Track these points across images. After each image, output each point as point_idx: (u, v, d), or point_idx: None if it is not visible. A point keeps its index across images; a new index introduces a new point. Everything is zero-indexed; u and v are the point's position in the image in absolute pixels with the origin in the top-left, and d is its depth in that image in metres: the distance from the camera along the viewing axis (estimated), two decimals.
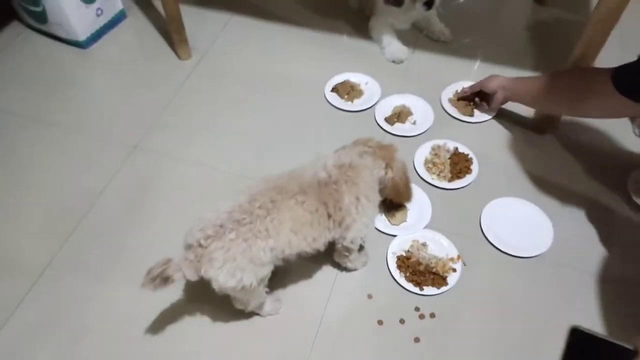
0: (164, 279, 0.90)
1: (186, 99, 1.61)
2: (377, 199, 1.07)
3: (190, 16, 1.70)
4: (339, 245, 1.09)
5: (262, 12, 1.88)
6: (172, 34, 1.65)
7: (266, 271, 0.97)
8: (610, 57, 1.27)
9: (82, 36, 1.71)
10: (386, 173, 1.09)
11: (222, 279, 0.92)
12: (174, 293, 1.16)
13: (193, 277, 0.93)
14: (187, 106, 1.59)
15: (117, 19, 1.83)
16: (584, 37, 1.25)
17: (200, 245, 0.91)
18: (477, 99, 1.54)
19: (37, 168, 1.43)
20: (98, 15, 1.74)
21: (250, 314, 1.13)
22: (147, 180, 1.40)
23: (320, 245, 1.02)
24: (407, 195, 1.18)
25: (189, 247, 0.94)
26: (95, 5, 1.71)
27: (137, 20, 1.88)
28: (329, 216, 0.99)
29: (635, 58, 1.05)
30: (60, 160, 1.45)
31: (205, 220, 0.93)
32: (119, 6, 1.82)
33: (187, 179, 1.40)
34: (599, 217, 1.31)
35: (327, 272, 1.22)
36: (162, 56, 1.74)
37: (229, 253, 0.90)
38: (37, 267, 1.23)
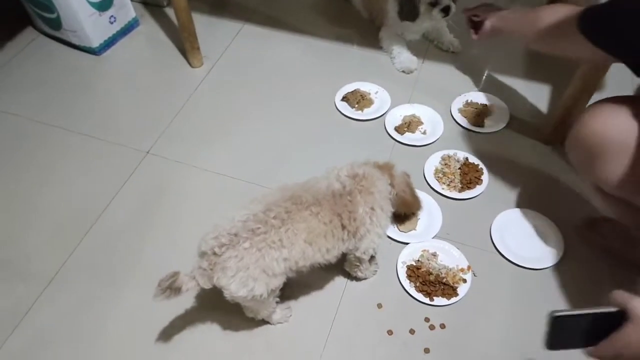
0: (175, 290, 0.91)
1: (198, 106, 1.62)
2: (390, 209, 1.07)
3: (203, 24, 1.72)
4: (351, 256, 1.09)
5: (273, 21, 1.90)
6: (185, 42, 1.67)
7: (278, 282, 0.98)
8: None
9: (95, 43, 1.73)
10: (392, 185, 1.10)
11: (234, 288, 0.92)
12: (186, 300, 1.16)
13: (206, 285, 0.93)
14: (199, 113, 1.60)
15: (130, 27, 1.85)
16: None
17: (215, 254, 0.92)
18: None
19: (52, 173, 1.44)
20: (111, 23, 1.76)
21: (260, 322, 1.13)
22: (159, 186, 1.41)
23: (334, 256, 1.02)
24: (416, 204, 1.18)
25: (202, 254, 0.94)
26: (108, 13, 1.73)
27: (150, 28, 1.90)
28: (343, 227, 1.00)
29: None
30: (75, 165, 1.46)
31: (220, 228, 0.94)
32: (132, 14, 1.84)
33: (199, 186, 1.41)
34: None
35: (337, 281, 1.22)
36: (174, 63, 1.76)
37: (242, 262, 0.91)
38: (49, 271, 1.24)
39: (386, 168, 1.11)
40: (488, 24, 1.34)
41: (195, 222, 1.31)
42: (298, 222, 0.94)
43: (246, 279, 0.92)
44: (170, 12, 1.94)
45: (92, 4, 1.66)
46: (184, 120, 1.58)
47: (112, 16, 1.75)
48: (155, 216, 1.35)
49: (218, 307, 1.12)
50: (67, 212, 1.35)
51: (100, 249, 1.28)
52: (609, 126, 0.97)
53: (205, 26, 1.83)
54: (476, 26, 1.41)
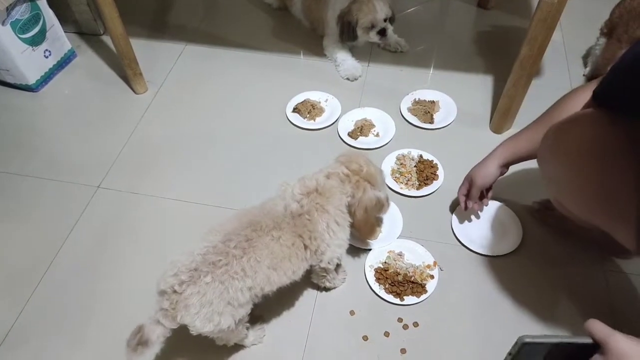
0: (145, 343, 0.88)
1: (146, 133, 1.59)
2: (347, 220, 1.06)
3: (143, 49, 1.69)
4: (316, 267, 1.08)
5: (215, 39, 1.88)
6: (126, 69, 1.63)
7: (244, 311, 0.96)
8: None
9: (31, 80, 1.67)
10: (353, 196, 1.05)
11: (199, 325, 0.89)
12: None
13: (172, 326, 0.90)
14: (148, 140, 1.57)
15: (66, 59, 1.79)
16: (528, 36, 1.30)
17: (175, 292, 0.89)
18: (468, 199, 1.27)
19: None
20: (46, 57, 1.70)
21: (234, 347, 1.11)
22: (113, 220, 1.36)
23: (299, 276, 1.01)
24: (365, 231, 1.12)
25: (162, 293, 0.90)
26: (42, 47, 1.68)
27: (88, 58, 1.85)
28: (305, 247, 0.99)
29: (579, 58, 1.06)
30: (22, 210, 1.40)
31: (179, 264, 0.90)
32: (68, 46, 1.79)
33: (156, 215, 1.38)
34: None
35: (307, 294, 1.21)
36: (117, 92, 1.71)
37: (205, 297, 0.88)
38: (2, 329, 1.16)
39: (359, 181, 1.06)
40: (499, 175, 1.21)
41: (155, 253, 1.29)
42: (260, 249, 0.92)
43: (211, 314, 0.89)
44: (107, 39, 1.89)
45: (24, 40, 1.60)
46: (133, 149, 1.54)
47: (46, 50, 1.69)
48: (112, 253, 1.30)
49: (187, 342, 1.08)
50: (16, 262, 1.28)
51: (55, 297, 1.22)
52: (589, 151, 0.88)
53: (146, 51, 1.79)
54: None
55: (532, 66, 1.35)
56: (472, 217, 1.34)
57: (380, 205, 1.12)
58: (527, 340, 0.66)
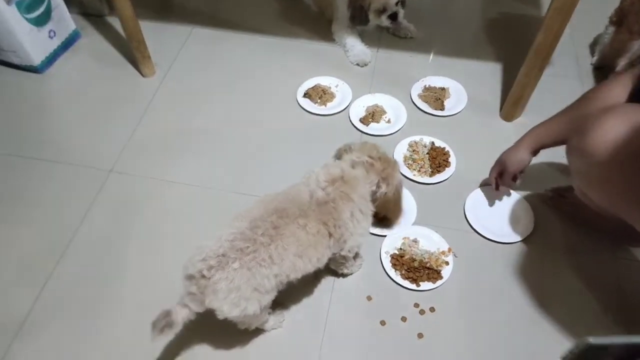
0: (170, 325, 0.90)
1: (157, 116, 1.57)
2: (371, 209, 1.07)
3: (150, 31, 1.65)
4: (337, 255, 1.09)
5: (222, 22, 1.86)
6: (134, 51, 1.60)
7: (270, 297, 0.97)
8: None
9: (36, 60, 1.64)
10: (379, 187, 1.08)
11: (227, 309, 0.91)
12: None
13: (199, 309, 0.91)
14: (159, 124, 1.55)
15: (71, 40, 1.76)
16: (543, 25, 1.30)
17: (203, 276, 0.89)
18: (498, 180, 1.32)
19: (8, 205, 1.36)
20: (51, 38, 1.67)
21: (254, 331, 1.12)
22: (128, 205, 1.36)
23: (323, 263, 1.02)
24: (396, 212, 1.17)
25: (190, 278, 0.91)
26: (47, 28, 1.64)
27: (92, 40, 1.81)
28: (330, 235, 0.99)
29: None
30: (33, 194, 1.38)
31: (207, 249, 0.91)
32: (72, 26, 1.75)
33: (172, 200, 1.37)
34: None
35: (324, 280, 1.22)
36: (124, 74, 1.69)
37: (233, 283, 0.89)
38: (18, 316, 1.16)
39: (388, 166, 1.08)
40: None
41: (174, 239, 1.29)
42: (286, 237, 0.93)
43: (238, 300, 0.90)
44: (112, 21, 1.86)
45: (29, 20, 1.56)
46: (144, 132, 1.53)
47: (51, 30, 1.66)
48: (129, 239, 1.29)
49: (207, 325, 1.09)
50: (31, 247, 1.27)
51: (71, 284, 1.21)
52: (620, 147, 0.89)
53: (153, 32, 1.76)
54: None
55: (547, 55, 1.36)
56: (486, 204, 1.35)
57: (402, 184, 1.16)
58: (591, 342, 0.62)
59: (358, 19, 1.68)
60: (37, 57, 1.63)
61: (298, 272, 0.98)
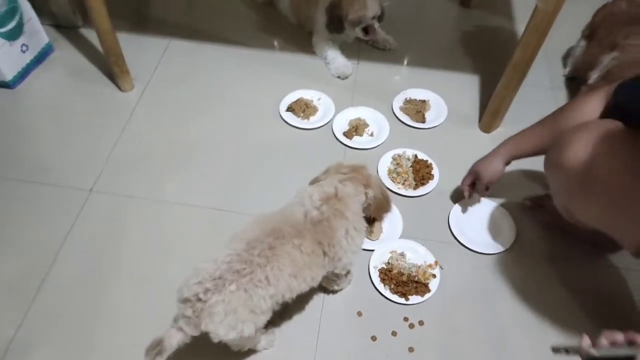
0: (162, 353, 0.88)
1: (136, 132, 1.54)
2: (364, 225, 1.08)
3: (126, 43, 1.61)
4: (329, 273, 1.09)
5: (200, 34, 1.84)
6: (112, 66, 1.57)
7: (265, 318, 0.96)
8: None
9: (8, 76, 1.58)
10: (367, 194, 1.10)
11: (223, 332, 0.90)
12: None
13: (194, 333, 0.90)
14: (139, 140, 1.52)
15: (44, 53, 1.71)
16: (521, 41, 1.34)
17: (199, 300, 0.88)
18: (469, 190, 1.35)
19: None
20: (23, 52, 1.62)
21: (248, 350, 1.11)
22: (111, 226, 1.33)
23: (317, 282, 1.02)
24: (389, 206, 1.19)
25: (185, 301, 0.90)
26: (19, 42, 1.59)
27: (66, 53, 1.76)
28: (324, 254, 1.00)
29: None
30: (8, 217, 1.33)
31: (203, 271, 0.90)
32: (45, 39, 1.70)
33: (156, 219, 1.35)
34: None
35: (315, 297, 1.22)
36: (101, 89, 1.65)
37: (229, 306, 0.88)
38: (2, 342, 1.12)
39: (361, 171, 1.10)
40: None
41: (159, 259, 1.27)
42: (282, 257, 0.93)
43: (235, 322, 0.89)
44: (86, 33, 1.82)
45: (1, 35, 1.51)
46: (125, 149, 1.50)
47: (23, 44, 1.61)
48: (110, 259, 1.26)
49: (198, 346, 1.07)
50: (11, 272, 1.23)
51: (54, 308, 1.18)
52: (597, 161, 0.93)
53: (129, 45, 1.71)
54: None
55: (524, 70, 1.40)
56: (469, 216, 1.38)
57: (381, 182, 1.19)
58: (593, 353, 0.65)
59: (334, 26, 1.69)
60: (8, 73, 1.58)
61: (293, 292, 0.98)
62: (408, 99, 1.66)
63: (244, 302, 0.90)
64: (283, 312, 1.18)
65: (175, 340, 0.90)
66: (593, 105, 1.05)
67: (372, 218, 1.25)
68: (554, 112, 1.19)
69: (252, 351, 1.12)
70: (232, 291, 0.89)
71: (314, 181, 1.15)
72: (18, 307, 1.17)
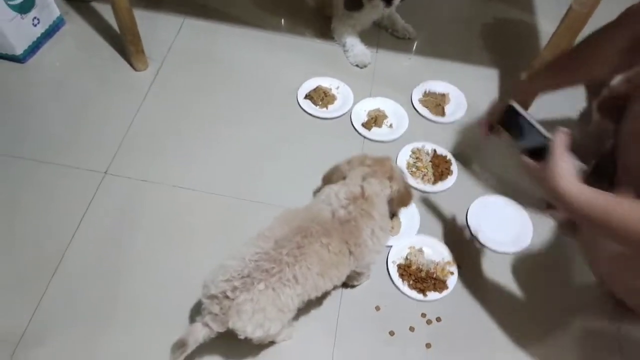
0: (185, 350, 0.90)
1: (152, 114, 1.51)
2: (389, 225, 1.08)
3: (139, 20, 1.55)
4: (352, 271, 1.09)
5: (214, 13, 1.79)
6: (128, 45, 1.52)
7: (291, 316, 0.97)
8: None
9: (19, 50, 1.53)
10: (391, 187, 1.09)
11: (250, 330, 0.90)
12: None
13: (220, 329, 0.90)
14: (154, 122, 1.49)
15: (55, 27, 1.65)
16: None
17: (227, 297, 0.88)
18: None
19: None
20: (35, 25, 1.56)
21: (265, 344, 1.11)
22: (125, 210, 1.31)
23: (342, 281, 1.02)
24: (410, 199, 1.18)
25: (212, 297, 0.90)
26: (31, 15, 1.53)
27: (77, 26, 1.71)
28: (350, 253, 0.99)
29: None
30: (20, 198, 1.30)
31: (230, 269, 0.89)
32: (56, 12, 1.64)
33: (168, 204, 1.33)
34: None
35: (333, 292, 1.20)
36: (114, 66, 1.61)
37: (258, 304, 0.88)
38: (15, 332, 1.10)
39: (385, 164, 1.09)
40: None
41: (176, 246, 1.26)
42: (310, 256, 0.93)
43: (263, 320, 0.90)
44: (98, 6, 1.76)
45: (12, 7, 1.46)
46: (139, 131, 1.46)
47: (35, 18, 1.55)
48: (125, 244, 1.25)
49: (217, 337, 1.08)
50: (23, 258, 1.20)
51: (69, 295, 1.16)
52: None
53: (143, 22, 1.65)
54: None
55: None
56: (487, 214, 1.38)
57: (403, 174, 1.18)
58: (512, 105, 0.99)
59: (351, 3, 1.62)
60: (19, 46, 1.53)
61: (319, 291, 0.98)
62: (427, 91, 1.64)
63: (272, 301, 0.90)
64: (302, 307, 1.18)
65: (201, 335, 0.90)
66: (608, 48, 1.01)
67: (392, 213, 1.25)
68: (570, 50, 1.15)
69: (272, 342, 1.12)
70: (260, 290, 0.88)
71: (335, 169, 1.14)
72: (33, 292, 1.16)
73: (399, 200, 1.13)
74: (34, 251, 1.22)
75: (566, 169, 0.86)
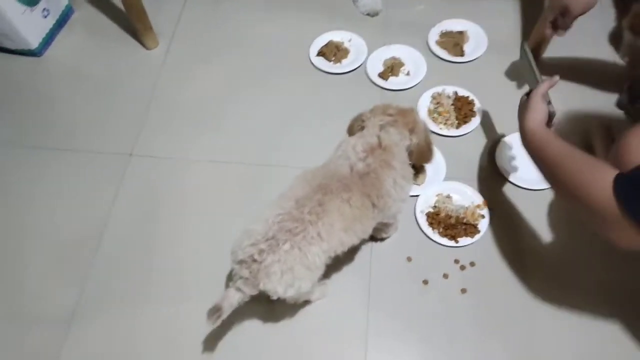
0: (222, 314, 0.92)
1: (168, 91, 1.52)
2: (411, 172, 1.05)
3: None
4: (378, 223, 1.08)
5: None
6: (135, 23, 1.52)
7: (320, 273, 0.97)
8: None
9: (34, 43, 1.56)
10: (411, 140, 1.07)
11: (282, 290, 0.91)
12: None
13: (253, 292, 0.92)
14: (171, 99, 1.50)
15: (65, 17, 1.67)
16: None
17: (255, 261, 0.89)
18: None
19: (32, 199, 1.34)
20: (45, 17, 1.58)
21: (300, 304, 1.13)
22: (154, 187, 1.34)
23: (368, 234, 1.02)
24: (430, 156, 1.16)
25: (241, 262, 0.91)
26: (40, 7, 1.55)
27: (86, 13, 1.72)
28: (373, 206, 0.98)
29: None
30: (53, 186, 1.36)
31: (255, 233, 0.90)
32: (64, 1, 1.66)
33: (199, 178, 1.35)
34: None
35: (362, 247, 1.22)
36: (126, 48, 1.61)
37: (285, 264, 0.89)
38: (66, 308, 1.17)
39: (409, 115, 1.06)
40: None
41: (207, 218, 1.29)
42: (332, 213, 0.92)
43: (292, 280, 0.91)
44: None
45: (20, 1, 1.47)
46: (158, 110, 1.48)
47: (44, 9, 1.57)
48: (160, 220, 1.29)
49: (253, 300, 1.10)
50: (65, 241, 1.26)
51: (112, 272, 1.22)
52: None
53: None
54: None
55: None
56: (516, 151, 1.33)
57: (427, 127, 1.14)
58: (524, 46, 1.21)
59: None
60: (34, 41, 1.55)
61: (345, 246, 0.98)
62: (444, 31, 1.56)
63: (299, 259, 0.90)
64: (333, 263, 1.17)
65: (235, 299, 0.93)
66: None
67: (414, 167, 1.22)
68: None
69: (307, 302, 1.14)
70: (286, 250, 0.89)
71: (357, 119, 1.11)
72: (77, 272, 1.22)
73: (418, 155, 1.10)
74: (73, 235, 1.27)
75: (536, 111, 0.99)
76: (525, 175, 1.29)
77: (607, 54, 1.50)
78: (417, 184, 1.28)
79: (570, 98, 1.39)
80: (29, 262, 1.24)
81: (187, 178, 1.35)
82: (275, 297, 0.94)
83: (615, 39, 1.51)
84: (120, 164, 1.38)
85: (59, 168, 1.39)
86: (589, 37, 1.51)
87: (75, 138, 1.43)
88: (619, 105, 1.39)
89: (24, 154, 1.41)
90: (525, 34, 1.53)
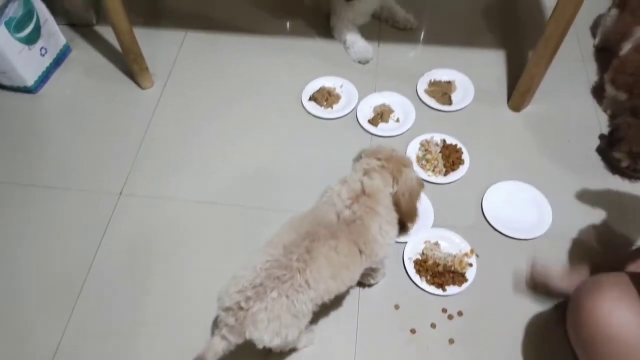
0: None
1: (161, 131, 1.53)
2: (396, 217, 1.06)
3: (141, 38, 1.57)
4: (366, 269, 1.09)
5: (215, 23, 1.80)
6: (131, 64, 1.55)
7: (307, 320, 0.97)
8: None
9: (30, 81, 1.58)
10: (393, 187, 1.06)
11: (268, 339, 0.90)
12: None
13: (238, 341, 0.91)
14: (165, 139, 1.51)
15: (62, 55, 1.69)
16: (554, 14, 1.27)
17: (241, 308, 0.89)
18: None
19: (20, 237, 1.32)
20: (42, 55, 1.60)
21: (289, 350, 1.12)
22: (143, 228, 1.33)
23: (356, 281, 1.02)
24: (410, 215, 1.11)
25: (227, 309, 0.90)
26: (38, 45, 1.58)
27: (83, 52, 1.75)
28: (360, 252, 0.99)
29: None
30: (42, 224, 1.35)
31: (243, 279, 0.90)
32: (62, 40, 1.69)
33: (188, 219, 1.35)
34: (587, 181, 1.38)
35: (351, 293, 1.21)
36: (121, 88, 1.64)
37: (272, 313, 0.88)
38: (49, 348, 1.15)
39: (396, 163, 1.06)
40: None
41: (195, 259, 1.28)
42: (320, 260, 0.92)
43: (279, 328, 0.90)
44: (101, 30, 1.79)
45: (20, 39, 1.50)
46: (150, 149, 1.49)
47: (42, 47, 1.59)
48: (149, 263, 1.27)
49: (238, 348, 1.09)
50: (49, 280, 1.25)
51: (95, 313, 1.20)
52: (614, 323, 0.86)
53: (145, 40, 1.68)
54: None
55: (557, 45, 1.34)
56: (503, 200, 1.35)
57: (420, 183, 1.12)
58: None
59: None
60: (29, 78, 1.57)
61: (332, 294, 0.97)
62: (433, 80, 1.61)
63: (286, 307, 0.90)
64: (320, 309, 1.17)
65: (220, 348, 0.91)
66: None
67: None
68: None
69: (293, 350, 1.12)
70: (274, 298, 0.89)
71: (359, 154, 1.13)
72: (62, 311, 1.20)
73: (401, 208, 1.07)
74: (59, 274, 1.26)
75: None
76: (511, 223, 1.31)
77: (590, 106, 1.55)
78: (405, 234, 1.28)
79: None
80: (14, 300, 1.22)
81: (175, 218, 1.35)
82: (261, 346, 0.93)
83: (597, 92, 1.56)
84: (110, 204, 1.37)
85: (49, 206, 1.38)
86: (572, 90, 1.57)
87: (66, 176, 1.43)
88: (599, 150, 1.43)
89: (16, 191, 1.41)
90: (510, 83, 1.58)
